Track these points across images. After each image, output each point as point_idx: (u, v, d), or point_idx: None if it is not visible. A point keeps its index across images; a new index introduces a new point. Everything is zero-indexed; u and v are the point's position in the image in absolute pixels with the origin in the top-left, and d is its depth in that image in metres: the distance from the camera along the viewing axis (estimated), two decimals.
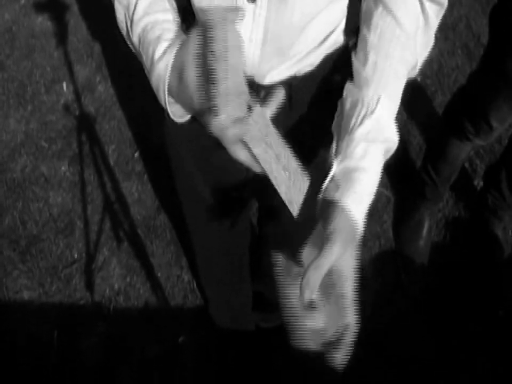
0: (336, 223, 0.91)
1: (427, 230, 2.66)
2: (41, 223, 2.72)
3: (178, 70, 0.97)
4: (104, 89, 3.10)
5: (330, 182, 0.98)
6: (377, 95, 1.02)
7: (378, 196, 2.75)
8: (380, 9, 1.05)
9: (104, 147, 2.89)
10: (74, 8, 3.34)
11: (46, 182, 2.82)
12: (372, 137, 0.99)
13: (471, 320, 2.47)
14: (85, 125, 2.99)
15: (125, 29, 1.10)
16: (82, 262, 2.63)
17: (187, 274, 2.61)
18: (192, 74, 0.94)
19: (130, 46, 1.12)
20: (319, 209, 0.95)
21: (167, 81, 0.99)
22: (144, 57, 1.05)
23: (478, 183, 2.81)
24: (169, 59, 0.98)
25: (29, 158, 2.89)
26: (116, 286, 2.58)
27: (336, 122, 1.08)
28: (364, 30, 1.08)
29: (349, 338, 0.96)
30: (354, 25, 1.15)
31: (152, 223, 2.72)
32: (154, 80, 1.03)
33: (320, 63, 1.17)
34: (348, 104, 1.06)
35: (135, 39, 1.07)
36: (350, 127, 1.01)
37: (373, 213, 2.73)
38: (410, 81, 1.10)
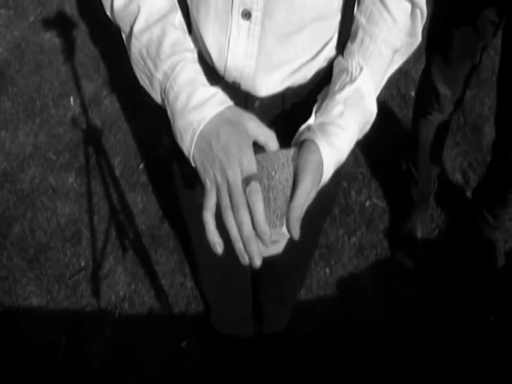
0: (309, 161, 0.96)
1: (420, 237, 2.69)
2: (49, 232, 2.73)
3: (229, 132, 0.94)
4: (110, 103, 3.11)
5: (306, 129, 1.03)
6: (360, 66, 1.09)
7: (374, 207, 2.78)
8: None
9: (110, 159, 2.91)
10: (82, 25, 3.35)
11: (54, 192, 2.83)
12: (350, 103, 1.04)
13: (464, 326, 2.49)
14: (92, 137, 3.00)
15: (142, 65, 1.06)
16: (88, 269, 2.64)
17: (190, 281, 2.62)
18: (246, 141, 0.94)
19: (147, 83, 1.07)
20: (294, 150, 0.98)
21: (198, 132, 0.96)
22: (172, 97, 1.00)
23: (471, 193, 2.82)
24: (208, 115, 0.95)
25: (38, 169, 2.90)
26: (121, 293, 2.60)
27: (322, 93, 1.14)
28: (356, 13, 1.14)
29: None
30: (346, 40, 1.18)
31: (156, 232, 2.74)
32: (181, 123, 0.98)
33: (313, 76, 1.19)
34: (334, 74, 1.12)
35: (159, 75, 1.03)
36: (333, 91, 1.07)
37: (369, 223, 2.75)
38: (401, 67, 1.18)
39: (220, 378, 2.40)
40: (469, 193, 2.83)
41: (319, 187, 1.00)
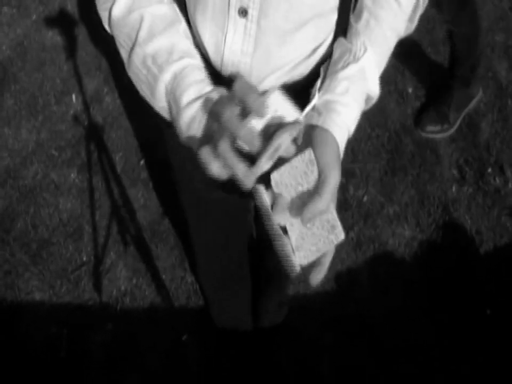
0: (322, 144, 0.93)
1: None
2: (52, 228, 2.73)
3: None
4: (111, 100, 3.12)
5: (311, 110, 1.02)
6: (364, 47, 1.08)
7: (372, 202, 2.78)
8: None
9: (111, 155, 2.90)
10: (83, 23, 3.34)
11: (56, 188, 2.84)
12: (353, 81, 1.04)
13: (461, 320, 2.49)
14: (93, 134, 3.00)
15: (145, 72, 1.05)
16: (90, 264, 2.65)
17: (190, 276, 2.62)
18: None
19: (146, 91, 1.07)
20: (304, 134, 0.95)
21: (207, 113, 0.94)
22: (178, 92, 0.99)
23: (467, 189, 2.83)
24: (212, 97, 0.94)
25: (40, 165, 2.90)
26: (123, 288, 2.60)
27: (325, 65, 1.13)
28: None
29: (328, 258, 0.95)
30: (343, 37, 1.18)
31: (157, 227, 2.74)
32: (188, 113, 0.97)
33: (309, 73, 1.19)
34: (336, 54, 1.11)
35: (167, 76, 1.01)
36: (335, 69, 1.06)
37: (367, 218, 2.75)
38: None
39: (220, 371, 2.41)
40: (466, 188, 2.83)
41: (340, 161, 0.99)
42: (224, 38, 1.10)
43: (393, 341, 2.45)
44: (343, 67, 1.06)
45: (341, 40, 1.13)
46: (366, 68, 1.06)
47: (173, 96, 1.01)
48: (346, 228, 2.72)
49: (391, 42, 1.12)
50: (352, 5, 1.13)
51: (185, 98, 0.98)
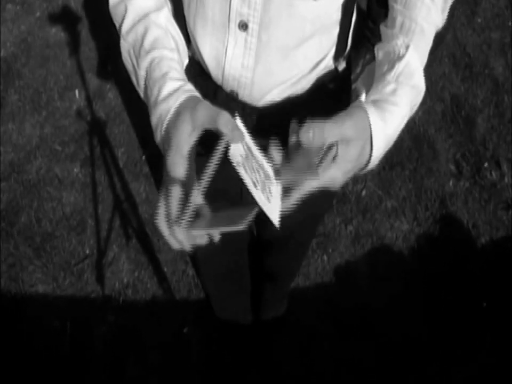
0: (348, 115, 0.88)
1: None
2: (55, 221, 2.73)
3: (175, 119, 0.90)
4: (114, 96, 3.11)
5: (356, 104, 0.94)
6: (406, 44, 1.03)
7: (370, 196, 2.78)
8: None
9: (114, 150, 2.91)
10: (86, 20, 3.34)
11: (59, 182, 2.84)
12: (401, 80, 0.98)
13: (457, 313, 2.49)
14: (96, 129, 3.00)
15: (130, 64, 1.06)
16: (93, 257, 2.65)
17: (192, 269, 2.62)
18: (185, 130, 0.87)
19: (135, 81, 1.06)
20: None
21: (165, 124, 0.92)
22: (149, 91, 0.99)
23: (464, 183, 2.83)
24: (173, 104, 0.92)
25: (44, 160, 2.90)
26: (125, 280, 2.60)
27: (363, 76, 1.12)
28: (390, 2, 1.09)
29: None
30: (344, 51, 1.17)
31: None
32: (154, 118, 0.96)
33: (311, 86, 1.18)
34: (380, 56, 1.06)
35: (142, 72, 1.01)
36: (382, 72, 1.01)
37: (365, 212, 2.75)
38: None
39: (221, 363, 2.41)
40: (462, 183, 2.83)
41: (364, 166, 0.94)
42: (224, 52, 1.09)
43: (391, 332, 2.45)
44: (389, 69, 1.01)
45: (380, 44, 1.08)
46: (411, 63, 1.01)
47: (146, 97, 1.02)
48: (345, 222, 2.72)
49: (430, 35, 1.07)
50: (353, 18, 1.12)
51: (152, 99, 0.98)
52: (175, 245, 0.92)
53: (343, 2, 1.07)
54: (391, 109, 0.94)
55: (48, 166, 2.88)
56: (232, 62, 1.10)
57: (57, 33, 3.34)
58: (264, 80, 1.12)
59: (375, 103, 0.95)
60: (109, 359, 2.41)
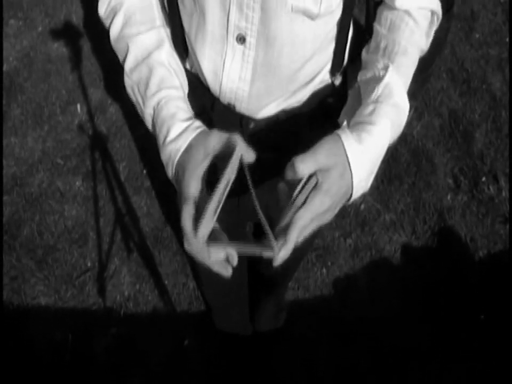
0: (320, 146, 0.90)
1: None
2: (57, 234, 2.74)
3: (188, 151, 0.94)
4: (115, 111, 3.13)
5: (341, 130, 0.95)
6: (385, 65, 1.04)
7: (369, 210, 2.79)
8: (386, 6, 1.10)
9: (115, 164, 2.92)
10: (88, 35, 3.36)
11: (61, 196, 2.85)
12: (380, 100, 0.99)
13: (455, 324, 2.50)
14: (98, 143, 3.02)
15: (135, 98, 1.08)
16: (95, 270, 2.65)
17: (192, 282, 2.63)
18: (199, 157, 0.92)
19: (139, 112, 1.09)
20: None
21: (176, 162, 0.96)
22: (157, 130, 1.02)
23: (462, 197, 2.84)
24: (183, 144, 0.96)
25: (46, 174, 2.91)
26: (126, 293, 2.61)
27: (346, 108, 1.13)
28: (376, 26, 1.11)
29: None
30: (341, 66, 1.18)
31: (160, 234, 2.74)
32: (164, 156, 0.99)
33: (308, 100, 1.20)
34: (362, 84, 1.09)
35: (149, 110, 1.05)
36: (365, 100, 1.02)
37: (364, 225, 2.76)
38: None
39: (221, 375, 2.41)
40: (460, 196, 2.85)
41: (350, 191, 0.98)
42: (222, 64, 1.11)
43: (390, 344, 2.46)
44: (370, 92, 1.02)
45: (362, 72, 1.10)
46: (391, 83, 1.01)
47: (155, 134, 1.05)
48: (344, 235, 2.73)
49: (413, 56, 1.08)
50: (348, 31, 1.14)
51: (161, 137, 1.01)
52: (205, 258, 0.92)
53: (338, 19, 1.09)
54: (368, 128, 0.95)
55: (50, 180, 2.89)
56: (230, 74, 1.11)
57: (59, 48, 3.36)
58: (262, 94, 1.14)
59: (353, 126, 0.97)
60: (110, 371, 2.41)
